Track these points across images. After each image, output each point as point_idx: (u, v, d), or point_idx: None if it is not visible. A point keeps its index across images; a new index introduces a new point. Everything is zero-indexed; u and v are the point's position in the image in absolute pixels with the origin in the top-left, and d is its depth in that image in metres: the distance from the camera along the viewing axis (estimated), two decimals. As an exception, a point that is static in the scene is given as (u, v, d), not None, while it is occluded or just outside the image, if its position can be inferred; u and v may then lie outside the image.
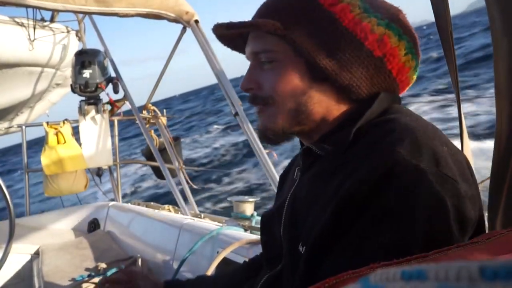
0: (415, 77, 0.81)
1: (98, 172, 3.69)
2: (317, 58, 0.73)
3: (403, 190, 0.60)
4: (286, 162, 1.11)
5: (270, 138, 0.82)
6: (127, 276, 1.26)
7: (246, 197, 2.37)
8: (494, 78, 0.75)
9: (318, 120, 0.78)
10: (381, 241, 0.59)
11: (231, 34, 0.85)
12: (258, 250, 1.37)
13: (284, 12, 0.76)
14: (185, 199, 3.05)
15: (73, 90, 3.34)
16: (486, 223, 0.76)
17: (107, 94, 3.46)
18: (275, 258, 0.85)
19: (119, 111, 3.63)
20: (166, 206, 3.19)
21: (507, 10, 0.70)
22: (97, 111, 3.44)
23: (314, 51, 0.74)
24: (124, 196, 3.77)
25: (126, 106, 3.56)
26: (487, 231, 0.71)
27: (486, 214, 0.77)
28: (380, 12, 0.75)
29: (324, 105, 0.77)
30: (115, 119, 3.75)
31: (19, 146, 3.61)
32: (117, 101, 3.54)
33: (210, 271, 1.61)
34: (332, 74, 0.74)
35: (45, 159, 3.28)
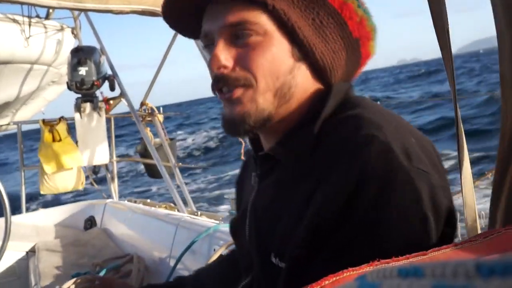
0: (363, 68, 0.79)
1: (95, 169, 3.69)
2: (305, 34, 0.68)
3: (378, 195, 0.58)
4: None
5: (248, 126, 0.70)
6: (103, 283, 1.21)
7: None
8: (500, 70, 0.75)
9: (294, 107, 0.72)
10: (362, 253, 0.56)
11: (187, 6, 0.73)
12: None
13: None
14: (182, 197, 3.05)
15: (69, 88, 3.32)
16: (488, 219, 0.76)
17: (101, 92, 3.45)
18: (247, 268, 0.82)
19: (112, 111, 3.62)
20: (162, 204, 3.18)
21: (510, 2, 0.69)
22: (93, 109, 3.43)
23: (301, 26, 0.68)
24: (120, 193, 3.75)
25: (123, 104, 3.55)
26: (482, 227, 0.72)
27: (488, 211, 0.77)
28: None
29: (304, 87, 0.72)
30: (112, 116, 3.74)
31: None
32: (113, 98, 3.53)
33: (207, 269, 1.61)
34: (318, 52, 0.69)
35: (42, 157, 3.27)
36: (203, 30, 0.73)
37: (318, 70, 0.72)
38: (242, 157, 2.41)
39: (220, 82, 0.70)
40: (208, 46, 0.74)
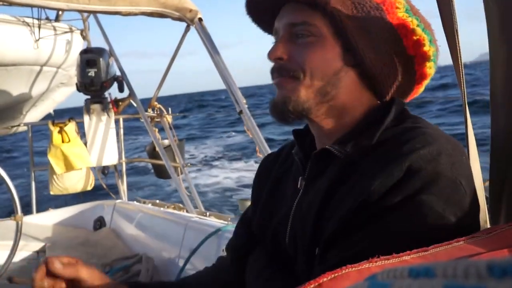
0: (423, 89, 0.84)
1: (104, 170, 3.70)
2: (358, 43, 0.73)
3: (418, 191, 0.63)
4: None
5: (287, 110, 0.77)
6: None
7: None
8: (490, 86, 0.76)
9: (339, 108, 0.78)
10: (389, 239, 0.63)
11: (263, 5, 0.83)
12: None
13: None
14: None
15: (78, 89, 3.35)
16: (488, 219, 0.76)
17: (109, 94, 3.46)
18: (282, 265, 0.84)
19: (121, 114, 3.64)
20: (171, 204, 3.19)
21: (506, 18, 0.70)
22: (103, 110, 3.45)
23: (356, 34, 0.74)
24: (129, 194, 3.77)
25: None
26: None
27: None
28: (417, 16, 0.78)
29: (349, 92, 0.77)
30: (121, 117, 3.76)
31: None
32: (122, 99, 3.55)
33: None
34: (368, 61, 0.74)
35: (51, 158, 3.30)
36: (274, 28, 0.83)
37: (367, 79, 0.77)
38: (258, 154, 2.41)
39: (275, 71, 0.80)
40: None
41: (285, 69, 0.78)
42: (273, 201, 0.91)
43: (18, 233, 1.72)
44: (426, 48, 0.77)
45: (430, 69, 0.80)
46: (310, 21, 0.75)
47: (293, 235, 0.80)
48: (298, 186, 0.83)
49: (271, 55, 0.79)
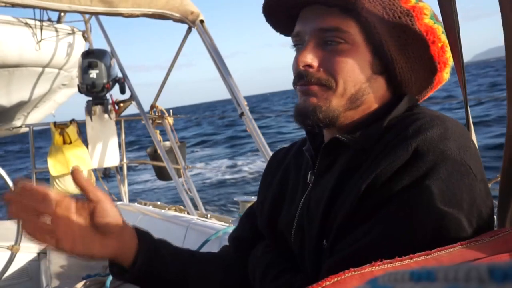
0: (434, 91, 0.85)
1: (105, 172, 3.71)
2: (390, 49, 0.73)
3: (424, 175, 0.62)
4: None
5: (317, 119, 0.75)
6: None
7: (252, 197, 2.37)
8: (506, 75, 0.75)
9: (366, 110, 0.77)
10: (396, 227, 0.63)
11: (285, 4, 0.79)
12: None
13: None
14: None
15: (80, 90, 3.35)
16: (496, 221, 0.75)
17: (110, 95, 3.47)
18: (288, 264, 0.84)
19: (123, 113, 3.64)
20: (172, 206, 3.19)
21: None
22: (104, 111, 3.45)
23: (387, 41, 0.73)
24: (130, 196, 3.77)
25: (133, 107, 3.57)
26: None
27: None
28: (440, 22, 0.78)
29: (376, 96, 0.77)
30: (122, 119, 3.76)
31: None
32: (124, 101, 3.55)
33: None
34: (398, 67, 0.74)
35: (52, 159, 3.30)
36: (295, 30, 0.79)
37: (394, 83, 0.77)
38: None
39: (303, 79, 0.76)
40: (297, 46, 0.79)
41: (315, 77, 0.75)
42: (281, 197, 0.90)
43: (19, 235, 1.72)
44: (448, 55, 0.78)
45: (447, 74, 0.80)
46: (343, 27, 0.72)
47: (299, 230, 0.80)
48: (308, 181, 0.83)
49: (300, 61, 0.75)
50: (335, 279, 0.50)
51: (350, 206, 0.67)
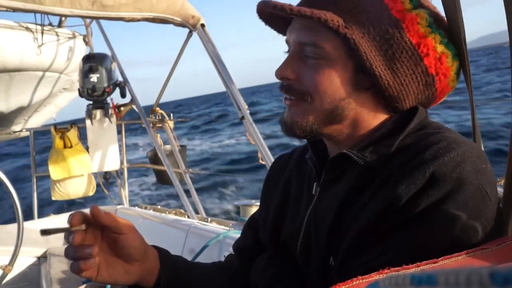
0: (444, 98, 0.81)
1: (106, 176, 3.71)
2: (373, 65, 0.69)
3: (443, 199, 0.61)
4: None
5: (295, 134, 0.76)
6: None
7: (253, 201, 2.36)
8: (511, 67, 0.74)
9: (349, 127, 0.75)
10: (410, 247, 0.62)
11: (276, 14, 0.77)
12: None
13: (344, 5, 0.71)
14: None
15: (81, 94, 3.35)
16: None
17: (111, 99, 3.47)
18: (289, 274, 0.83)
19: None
20: (173, 210, 3.19)
21: None
22: (105, 115, 3.45)
23: (371, 56, 0.69)
24: (131, 199, 3.77)
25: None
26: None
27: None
28: (442, 28, 0.73)
29: (359, 113, 0.74)
30: (122, 123, 3.77)
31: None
32: (124, 105, 3.55)
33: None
34: (384, 83, 0.71)
35: (52, 163, 3.30)
36: (286, 38, 0.78)
37: (383, 99, 0.74)
38: (261, 161, 2.43)
39: (283, 89, 0.76)
40: (287, 53, 0.79)
41: (293, 89, 0.75)
42: (284, 208, 0.89)
43: (20, 239, 1.72)
44: (448, 65, 0.73)
45: (453, 82, 0.76)
46: (320, 43, 0.70)
47: (306, 242, 0.79)
48: (313, 192, 0.81)
49: (278, 73, 0.75)
50: (344, 287, 0.50)
51: (361, 227, 0.66)
